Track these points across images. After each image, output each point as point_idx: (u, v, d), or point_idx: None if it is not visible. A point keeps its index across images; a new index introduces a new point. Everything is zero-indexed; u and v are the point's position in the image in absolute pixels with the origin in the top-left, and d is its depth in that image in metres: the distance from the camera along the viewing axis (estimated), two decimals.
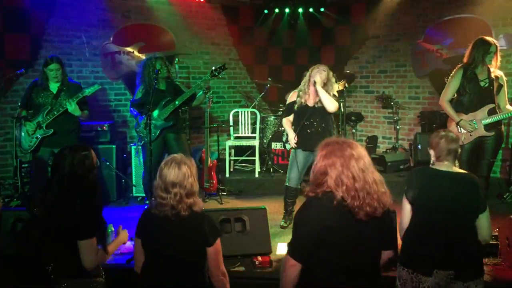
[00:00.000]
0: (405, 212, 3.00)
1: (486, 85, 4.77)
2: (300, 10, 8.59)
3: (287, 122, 5.08)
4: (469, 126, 4.79)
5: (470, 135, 4.82)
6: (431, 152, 3.10)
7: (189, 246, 2.62)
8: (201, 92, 5.61)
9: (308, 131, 4.87)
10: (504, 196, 5.93)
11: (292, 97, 5.10)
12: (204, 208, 2.76)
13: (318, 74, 4.82)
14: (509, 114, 4.75)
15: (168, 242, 2.62)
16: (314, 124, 4.87)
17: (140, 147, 5.83)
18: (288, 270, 2.35)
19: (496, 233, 4.04)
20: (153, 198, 2.70)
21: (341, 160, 2.29)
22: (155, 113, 5.42)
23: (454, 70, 4.92)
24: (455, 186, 2.91)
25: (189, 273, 2.64)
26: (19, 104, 5.36)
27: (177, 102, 5.41)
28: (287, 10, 8.59)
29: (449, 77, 4.95)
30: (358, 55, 8.50)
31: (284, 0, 8.44)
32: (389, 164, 6.97)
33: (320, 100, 4.81)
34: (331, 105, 4.78)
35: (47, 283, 2.79)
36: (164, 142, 5.54)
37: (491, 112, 4.77)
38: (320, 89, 4.76)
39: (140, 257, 2.74)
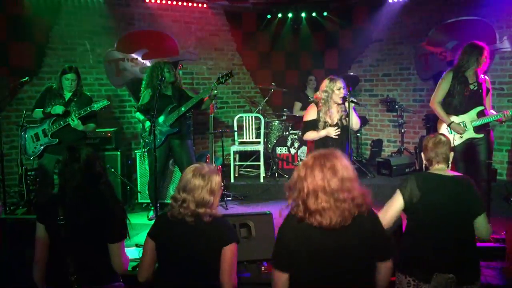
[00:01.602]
0: (392, 208, 2.96)
1: (475, 88, 4.84)
2: (303, 14, 8.60)
3: (309, 133, 4.86)
4: (459, 128, 4.85)
5: (461, 137, 4.89)
6: (423, 156, 3.08)
7: (204, 247, 2.59)
8: (208, 99, 5.57)
9: (327, 145, 4.68)
10: (511, 199, 5.89)
11: (310, 113, 4.86)
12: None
13: (342, 90, 4.70)
14: (498, 116, 4.79)
15: (183, 245, 2.60)
16: (338, 142, 4.72)
17: (145, 153, 5.82)
18: (275, 280, 2.41)
19: (504, 236, 4.02)
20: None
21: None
22: (161, 119, 5.41)
23: (445, 72, 5.00)
24: (450, 189, 2.90)
25: (204, 277, 2.61)
26: (24, 112, 5.40)
27: (183, 109, 5.40)
28: (290, 15, 8.60)
29: (440, 80, 5.02)
30: (361, 58, 8.49)
31: (287, 5, 8.45)
32: (394, 167, 6.95)
33: (342, 117, 4.76)
34: (358, 123, 4.86)
35: None
36: (169, 148, 5.53)
37: (481, 114, 4.84)
38: (351, 107, 4.68)
39: (149, 262, 2.69)
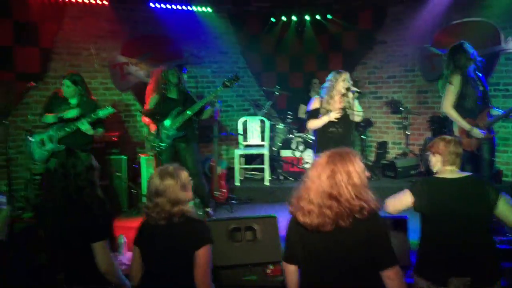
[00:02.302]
0: (401, 202, 2.99)
1: (482, 88, 4.80)
2: (307, 17, 8.60)
3: (313, 121, 4.93)
4: (480, 134, 4.73)
5: (477, 140, 4.78)
6: (437, 157, 3.03)
7: (179, 251, 2.65)
8: (209, 107, 5.59)
9: (332, 138, 4.82)
10: None
11: (314, 103, 4.97)
12: (214, 217, 2.80)
13: (347, 82, 4.79)
14: (502, 112, 4.81)
15: (160, 249, 2.67)
16: (338, 131, 4.85)
17: (152, 156, 5.84)
18: (286, 274, 2.56)
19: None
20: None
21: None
22: (167, 122, 5.42)
23: (452, 75, 4.83)
24: (463, 191, 2.89)
25: (183, 279, 2.65)
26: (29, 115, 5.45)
27: (188, 113, 5.39)
28: (294, 17, 8.60)
29: (448, 84, 4.85)
30: (366, 60, 8.48)
31: (291, 7, 8.45)
32: (399, 169, 6.94)
33: (344, 108, 4.81)
34: (360, 113, 4.90)
35: None
36: (175, 152, 5.55)
37: (489, 114, 4.81)
38: (355, 98, 4.81)
39: (137, 267, 2.79)
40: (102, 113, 5.11)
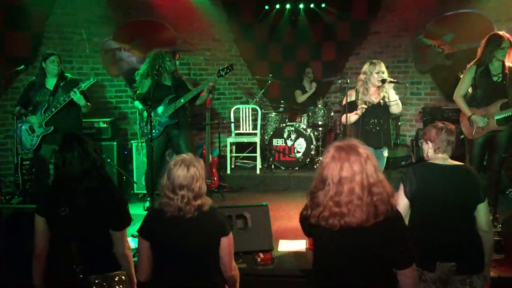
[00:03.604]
0: (400, 203, 2.96)
1: (499, 79, 4.70)
2: (301, 6, 8.56)
3: (347, 115, 4.80)
4: (480, 121, 4.72)
5: (482, 129, 4.75)
6: (429, 144, 3.05)
7: (205, 240, 2.57)
8: (205, 93, 5.49)
9: (371, 131, 4.76)
10: (507, 192, 5.91)
11: (349, 96, 4.86)
12: None
13: (382, 74, 4.70)
14: None
15: (182, 240, 2.56)
16: (379, 123, 4.77)
17: (143, 143, 5.78)
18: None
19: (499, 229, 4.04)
20: (160, 198, 2.64)
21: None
22: (160, 109, 5.37)
23: (468, 65, 4.85)
24: (453, 179, 2.92)
25: (204, 270, 2.59)
26: (16, 102, 5.38)
27: (182, 100, 5.33)
28: (288, 6, 8.56)
29: (463, 73, 4.91)
30: (359, 50, 8.47)
31: None
32: (391, 160, 6.94)
33: (383, 98, 4.74)
34: (399, 105, 4.80)
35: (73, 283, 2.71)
36: (168, 139, 5.51)
37: (504, 107, 4.69)
38: (390, 88, 4.74)
39: (146, 262, 2.63)
40: (84, 85, 5.05)
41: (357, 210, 2.16)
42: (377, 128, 4.76)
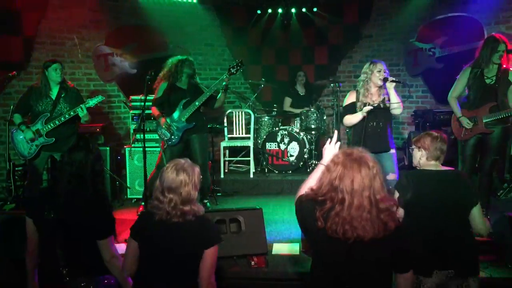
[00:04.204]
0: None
1: (492, 82, 4.74)
2: (293, 10, 8.59)
3: (348, 116, 4.62)
4: (466, 123, 4.82)
5: (470, 131, 4.83)
6: (422, 152, 3.06)
7: (188, 247, 2.58)
8: (220, 93, 5.43)
9: (371, 133, 4.52)
10: (498, 194, 5.95)
11: (349, 98, 4.68)
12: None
13: (383, 73, 4.48)
14: (510, 113, 4.67)
15: (167, 244, 2.57)
16: (379, 126, 4.53)
17: (163, 150, 5.59)
18: None
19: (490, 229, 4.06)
20: (152, 200, 2.66)
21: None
22: (176, 114, 5.31)
23: (464, 68, 4.93)
24: (447, 184, 2.95)
25: (188, 275, 2.59)
26: (12, 108, 5.31)
27: (196, 103, 5.27)
28: (280, 10, 8.59)
29: (459, 75, 4.98)
30: (351, 54, 8.51)
31: (277, 0, 8.44)
32: None
33: (383, 101, 4.51)
34: (400, 106, 4.46)
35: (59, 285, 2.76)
36: (186, 143, 5.44)
37: (493, 110, 4.74)
38: (392, 89, 4.43)
39: (132, 261, 2.67)
40: (92, 102, 5.02)
41: (368, 224, 2.14)
42: (377, 131, 4.55)
